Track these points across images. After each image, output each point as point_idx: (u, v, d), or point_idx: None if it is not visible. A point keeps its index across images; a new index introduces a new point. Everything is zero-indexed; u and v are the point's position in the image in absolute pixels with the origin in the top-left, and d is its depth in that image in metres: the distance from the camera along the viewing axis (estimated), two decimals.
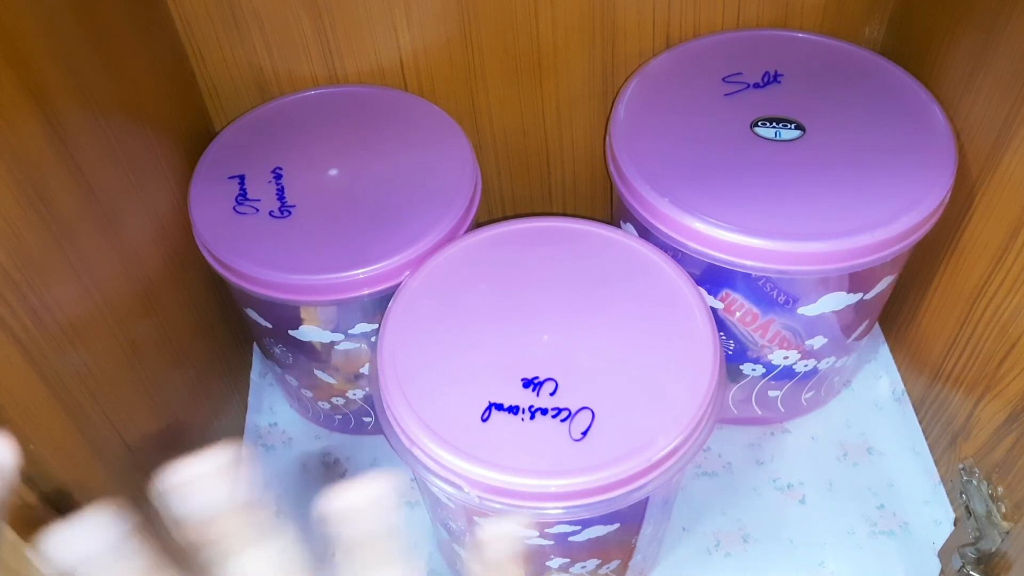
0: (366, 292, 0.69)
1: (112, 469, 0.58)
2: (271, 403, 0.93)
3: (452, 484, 0.59)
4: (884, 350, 0.92)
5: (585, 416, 0.60)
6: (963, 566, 0.69)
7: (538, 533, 0.63)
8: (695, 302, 0.66)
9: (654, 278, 0.68)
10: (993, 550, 0.68)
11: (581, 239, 0.71)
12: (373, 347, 0.66)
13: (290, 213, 0.73)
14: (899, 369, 0.90)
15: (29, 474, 0.47)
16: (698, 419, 0.60)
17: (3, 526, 0.39)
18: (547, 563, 0.68)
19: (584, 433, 0.59)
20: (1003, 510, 0.67)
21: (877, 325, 0.93)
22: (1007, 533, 0.67)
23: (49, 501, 0.48)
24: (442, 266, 0.69)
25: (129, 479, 0.61)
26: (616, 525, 0.64)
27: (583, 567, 0.69)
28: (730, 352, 0.78)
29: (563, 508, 0.58)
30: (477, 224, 0.75)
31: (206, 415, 0.79)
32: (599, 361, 0.63)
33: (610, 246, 0.70)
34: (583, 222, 0.72)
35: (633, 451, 0.58)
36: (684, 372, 0.62)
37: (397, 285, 0.69)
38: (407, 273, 0.69)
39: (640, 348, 0.64)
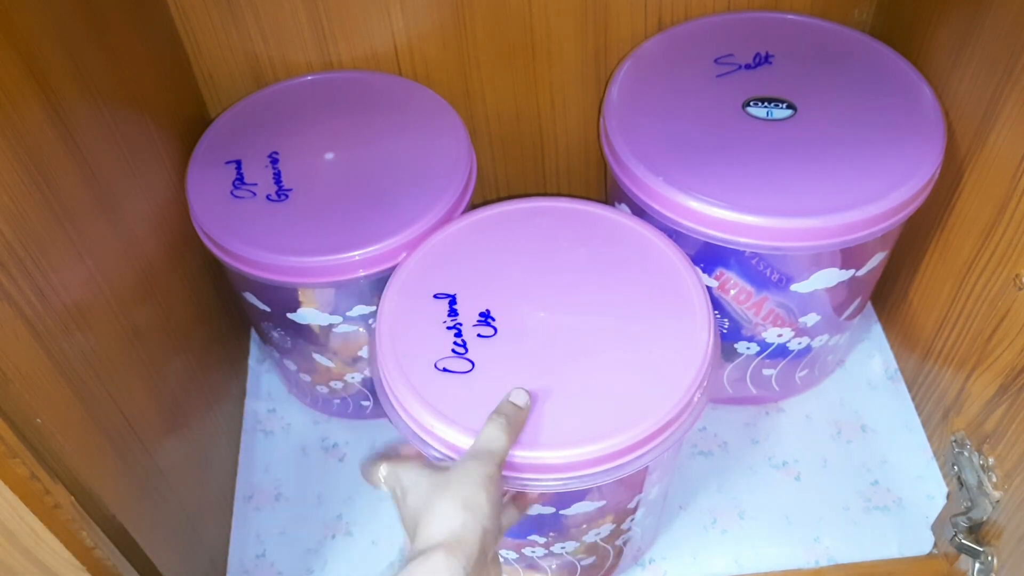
0: (363, 274, 0.70)
1: (116, 447, 0.59)
2: (269, 389, 0.94)
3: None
4: (877, 329, 0.93)
5: (583, 391, 0.61)
6: (955, 535, 0.70)
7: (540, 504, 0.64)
8: (691, 280, 0.66)
9: (651, 257, 0.69)
10: (984, 519, 0.69)
11: (577, 219, 0.71)
12: (371, 330, 0.67)
13: (287, 197, 0.74)
14: (892, 347, 0.91)
15: (37, 448, 0.48)
16: (692, 392, 0.61)
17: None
18: (544, 535, 0.68)
19: (582, 407, 0.60)
20: (994, 480, 0.68)
21: (870, 305, 0.94)
22: (997, 502, 0.68)
23: (56, 475, 0.49)
24: (438, 246, 0.70)
25: (132, 459, 0.62)
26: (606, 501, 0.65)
27: (574, 543, 0.70)
28: (724, 331, 0.79)
29: (563, 479, 0.59)
30: (472, 207, 0.76)
31: (205, 400, 0.80)
32: (595, 338, 0.64)
33: (607, 225, 0.71)
34: (579, 202, 0.73)
35: (628, 424, 0.59)
36: (679, 347, 0.63)
37: (394, 267, 0.70)
38: (403, 254, 0.70)
39: (636, 324, 0.64)
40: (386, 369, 0.63)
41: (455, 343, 0.64)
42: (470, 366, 0.63)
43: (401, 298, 0.67)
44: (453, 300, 0.66)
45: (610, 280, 0.67)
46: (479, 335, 0.64)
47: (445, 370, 0.62)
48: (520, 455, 0.58)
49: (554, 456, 0.58)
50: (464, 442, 0.59)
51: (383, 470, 0.59)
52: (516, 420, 0.58)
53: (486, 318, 0.65)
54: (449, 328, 0.65)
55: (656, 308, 0.65)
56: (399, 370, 0.62)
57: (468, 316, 0.65)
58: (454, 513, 0.51)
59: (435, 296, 0.67)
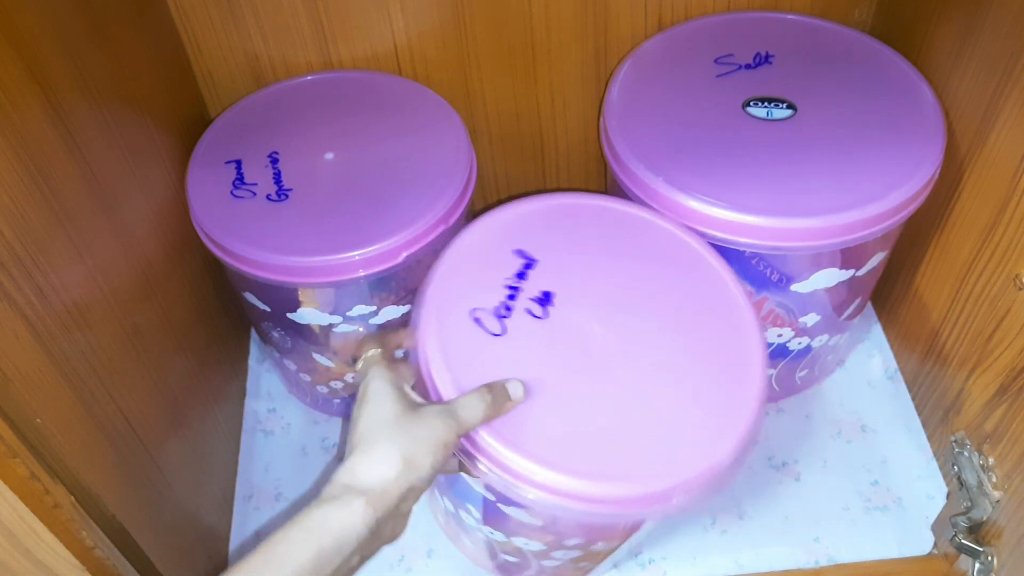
0: (363, 273, 0.70)
1: (116, 447, 0.59)
2: (269, 389, 0.94)
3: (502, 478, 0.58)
4: (877, 329, 0.93)
5: (602, 418, 0.58)
6: (955, 535, 0.70)
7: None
8: (755, 339, 0.63)
9: (716, 293, 0.65)
10: (984, 519, 0.69)
11: (623, 222, 0.69)
12: (410, 330, 0.64)
13: (287, 197, 0.74)
14: (892, 347, 0.91)
15: (37, 448, 0.48)
16: (725, 455, 0.57)
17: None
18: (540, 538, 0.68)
19: (596, 434, 0.58)
20: (994, 480, 0.68)
21: (870, 305, 0.94)
22: (997, 502, 0.68)
23: (56, 475, 0.49)
24: (543, 212, 0.68)
25: (132, 459, 0.62)
26: None
27: (576, 542, 0.70)
28: None
29: (545, 504, 0.57)
30: (472, 207, 0.76)
31: (205, 401, 0.80)
32: (638, 365, 0.61)
33: (651, 231, 0.68)
34: (623, 203, 0.70)
35: (634, 472, 0.56)
36: (722, 401, 0.59)
37: (394, 266, 0.70)
38: (403, 255, 0.70)
39: (681, 364, 0.61)
40: (431, 284, 0.62)
41: (503, 303, 0.62)
42: (500, 331, 0.61)
43: (484, 232, 0.65)
44: (529, 265, 0.64)
45: (660, 296, 0.64)
46: (528, 310, 0.62)
47: (477, 320, 0.61)
48: (510, 458, 0.56)
49: (544, 474, 0.56)
50: (448, 392, 0.58)
51: (369, 358, 0.59)
52: (499, 405, 0.57)
53: (547, 299, 0.63)
54: (508, 287, 0.63)
55: (708, 354, 0.62)
56: (438, 295, 0.61)
57: (531, 287, 0.63)
58: (393, 462, 0.52)
59: (515, 251, 0.65)
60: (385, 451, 0.52)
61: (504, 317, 0.62)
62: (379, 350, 0.60)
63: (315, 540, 0.49)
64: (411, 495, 0.53)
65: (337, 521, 0.49)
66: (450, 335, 0.60)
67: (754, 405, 0.60)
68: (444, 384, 0.58)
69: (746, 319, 0.64)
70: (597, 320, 0.63)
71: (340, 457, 0.52)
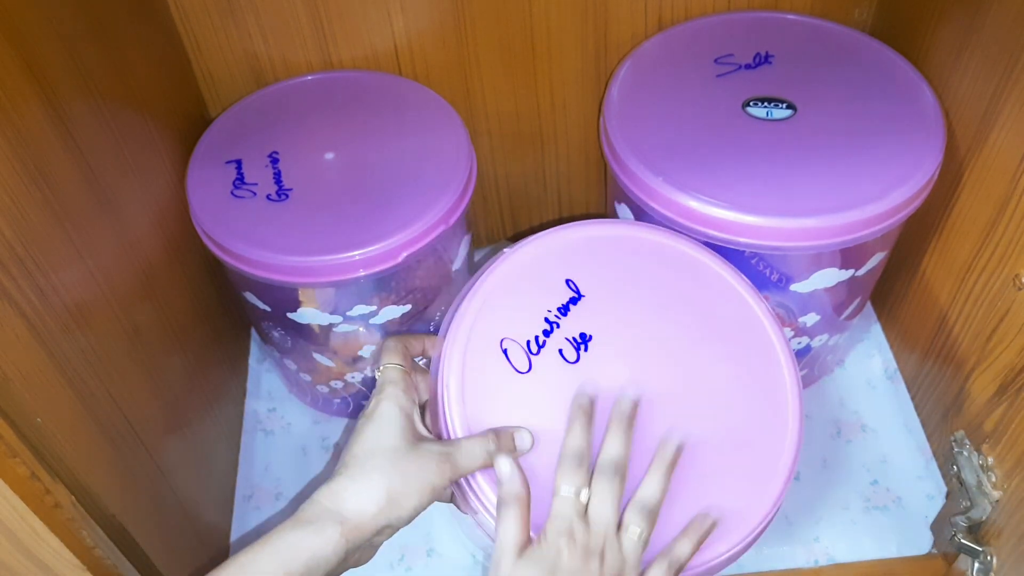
0: (363, 273, 0.70)
1: (116, 446, 0.59)
2: (269, 389, 0.94)
3: None
4: (876, 329, 0.93)
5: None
6: (954, 535, 0.70)
7: None
8: (785, 359, 0.62)
9: (747, 331, 0.64)
10: (983, 518, 0.69)
11: (680, 263, 0.67)
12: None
13: (287, 196, 0.74)
14: (891, 347, 0.91)
15: (37, 447, 0.48)
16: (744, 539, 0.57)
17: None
18: None
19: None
20: (993, 479, 0.68)
21: (869, 305, 0.94)
22: (997, 501, 0.68)
23: (57, 475, 0.49)
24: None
25: (132, 458, 0.62)
26: None
27: None
28: None
29: None
30: (473, 207, 0.76)
31: (206, 400, 0.80)
32: (669, 430, 0.59)
33: (704, 275, 0.66)
34: (683, 241, 0.68)
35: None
36: (752, 475, 0.58)
37: (394, 266, 0.70)
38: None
39: (715, 426, 0.60)
40: (471, 297, 0.59)
41: (537, 337, 0.59)
42: (527, 368, 0.58)
43: (541, 252, 0.62)
44: (576, 299, 0.61)
45: (708, 370, 0.61)
46: (560, 351, 0.59)
47: (505, 352, 0.58)
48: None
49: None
50: (456, 427, 0.57)
51: (387, 371, 0.58)
52: (502, 454, 0.56)
53: (583, 341, 0.60)
54: (547, 320, 0.60)
55: (738, 424, 0.60)
56: (473, 312, 0.59)
57: (570, 325, 0.60)
58: (377, 497, 0.52)
59: (566, 281, 0.62)
60: (373, 483, 0.53)
61: (534, 354, 0.59)
62: (400, 366, 0.59)
63: (285, 564, 0.49)
64: (386, 532, 0.54)
65: (309, 548, 0.50)
66: (473, 362, 0.57)
67: (781, 486, 0.58)
68: (453, 418, 0.57)
69: (790, 401, 0.61)
70: (629, 373, 0.60)
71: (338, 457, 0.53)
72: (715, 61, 0.80)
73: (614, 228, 0.67)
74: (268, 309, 0.77)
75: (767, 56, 0.80)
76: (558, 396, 0.58)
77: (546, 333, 0.59)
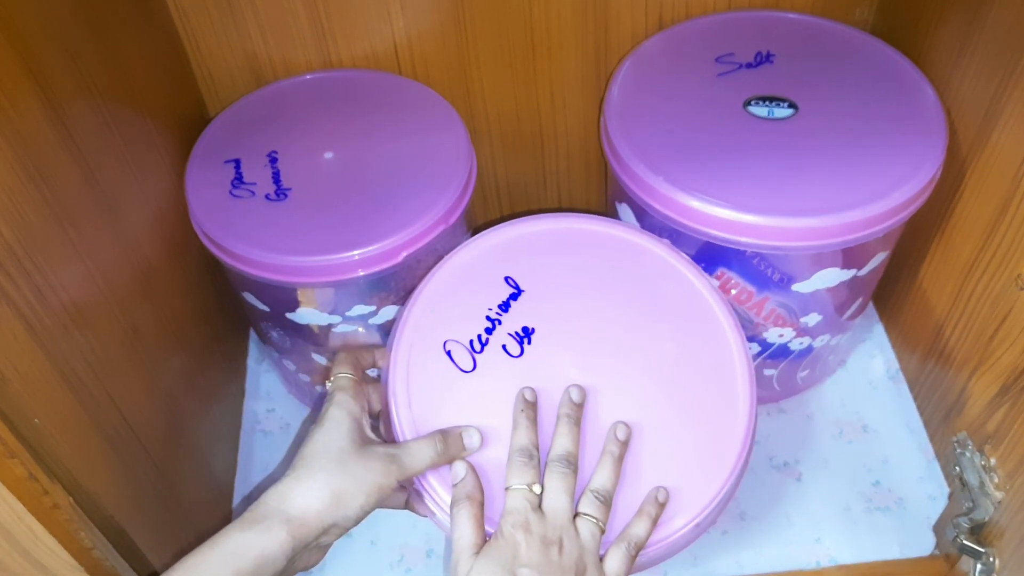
0: (362, 273, 0.70)
1: (115, 447, 0.59)
2: (268, 389, 0.93)
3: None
4: (879, 329, 0.93)
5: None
6: (957, 536, 0.70)
7: None
8: (733, 336, 0.62)
9: (705, 326, 0.64)
10: (986, 520, 0.69)
11: (625, 252, 0.68)
12: (383, 377, 0.63)
13: (286, 196, 0.74)
14: (893, 348, 0.91)
15: (35, 448, 0.47)
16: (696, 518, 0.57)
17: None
18: None
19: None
20: (995, 480, 0.68)
21: (871, 305, 0.94)
22: (999, 502, 0.68)
23: (55, 475, 0.49)
24: (538, 238, 0.66)
25: (131, 459, 0.62)
26: None
27: None
28: None
29: None
30: (472, 207, 0.76)
31: (204, 400, 0.80)
32: (615, 412, 0.60)
33: (652, 263, 0.67)
34: (629, 230, 0.69)
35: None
36: (703, 458, 0.59)
37: (393, 266, 0.70)
38: (403, 255, 0.69)
39: (667, 410, 0.60)
40: (412, 304, 0.61)
41: (479, 336, 0.60)
42: (471, 367, 0.60)
43: (479, 252, 0.63)
44: (515, 295, 0.63)
45: (655, 355, 0.62)
46: (504, 346, 0.60)
47: (448, 353, 0.60)
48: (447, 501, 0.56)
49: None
50: (406, 431, 0.58)
51: (338, 380, 0.59)
52: (450, 453, 0.57)
53: (526, 335, 0.61)
54: (488, 318, 0.61)
55: (689, 412, 0.60)
56: (415, 318, 0.60)
57: (512, 321, 0.61)
58: (322, 495, 0.53)
59: (505, 278, 0.63)
60: (318, 482, 0.53)
61: (477, 352, 0.60)
62: (350, 376, 0.60)
63: (233, 563, 0.50)
64: (333, 531, 0.54)
65: (257, 548, 0.51)
66: (418, 367, 0.59)
67: (732, 477, 0.58)
68: (401, 421, 0.58)
69: (739, 378, 0.61)
70: (574, 364, 0.61)
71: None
72: (716, 60, 0.80)
73: (551, 222, 0.69)
74: (267, 309, 0.77)
75: (768, 55, 0.80)
76: (505, 391, 0.59)
77: (488, 331, 0.61)
